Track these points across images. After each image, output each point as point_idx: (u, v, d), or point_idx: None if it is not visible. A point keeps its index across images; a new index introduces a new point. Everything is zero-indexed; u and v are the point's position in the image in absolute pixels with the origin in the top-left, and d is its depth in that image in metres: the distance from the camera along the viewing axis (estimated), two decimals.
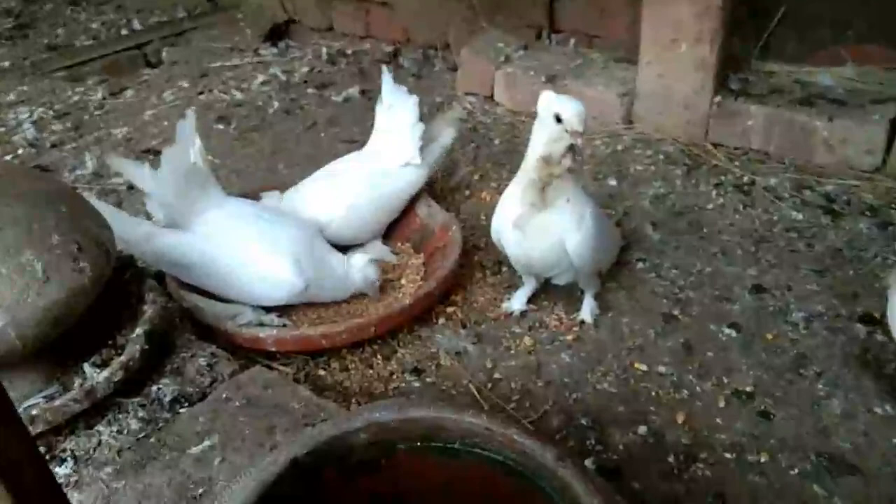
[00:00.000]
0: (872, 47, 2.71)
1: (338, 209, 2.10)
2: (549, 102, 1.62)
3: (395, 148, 2.21)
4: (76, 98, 3.41)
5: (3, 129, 3.12)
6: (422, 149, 2.21)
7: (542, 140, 1.66)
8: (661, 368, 1.77)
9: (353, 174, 2.20)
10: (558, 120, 1.60)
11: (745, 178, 2.42)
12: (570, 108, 1.59)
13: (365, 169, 2.20)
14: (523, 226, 1.75)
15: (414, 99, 2.23)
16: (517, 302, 1.97)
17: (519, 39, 3.22)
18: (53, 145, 2.99)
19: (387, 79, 2.26)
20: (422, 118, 2.23)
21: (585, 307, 1.93)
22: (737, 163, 2.50)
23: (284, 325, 1.90)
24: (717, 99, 2.57)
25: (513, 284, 2.06)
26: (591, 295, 1.93)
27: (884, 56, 2.69)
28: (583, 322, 1.92)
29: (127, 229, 1.86)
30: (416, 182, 2.24)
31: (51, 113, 3.26)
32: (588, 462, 1.53)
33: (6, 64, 3.86)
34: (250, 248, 1.89)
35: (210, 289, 1.92)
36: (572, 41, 3.28)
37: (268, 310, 1.92)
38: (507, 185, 2.48)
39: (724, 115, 2.57)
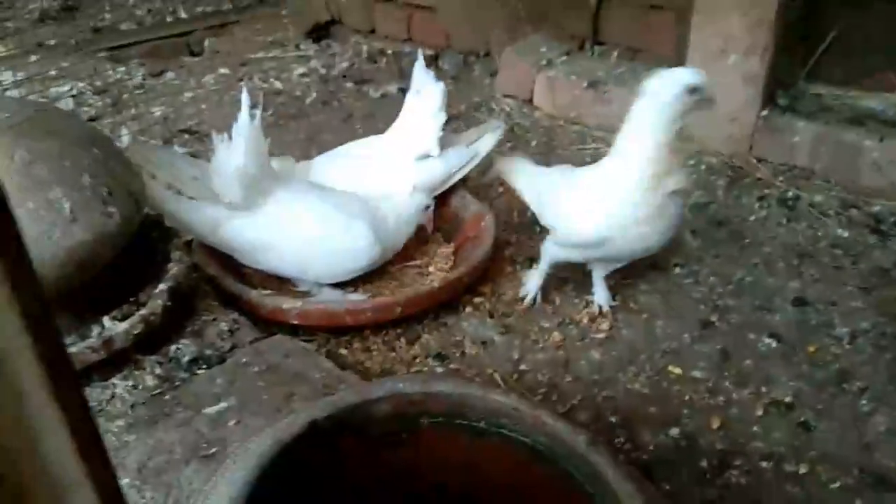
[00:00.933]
0: None
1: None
2: (677, 78, 1.60)
3: (414, 137, 2.15)
4: (117, 77, 3.43)
5: (43, 100, 3.13)
6: (446, 145, 2.15)
7: (668, 121, 1.61)
8: (697, 373, 1.69)
9: (364, 159, 2.16)
10: (691, 92, 1.57)
11: (790, 194, 2.35)
12: (704, 77, 1.59)
13: (377, 155, 2.16)
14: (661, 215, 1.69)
15: (440, 86, 2.16)
16: (533, 285, 1.91)
17: (562, 48, 3.19)
18: (91, 119, 3.00)
19: (419, 63, 2.20)
20: (446, 109, 2.16)
21: (602, 292, 1.88)
22: (781, 178, 2.43)
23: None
24: (764, 113, 2.51)
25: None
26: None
27: None
28: (600, 312, 1.86)
29: (193, 214, 1.79)
30: (429, 177, 2.14)
31: (90, 89, 3.28)
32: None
33: (52, 42, 3.92)
34: (328, 222, 1.85)
35: (285, 271, 1.89)
36: (615, 53, 3.25)
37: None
38: None
39: (770, 130, 2.51)
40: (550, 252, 1.86)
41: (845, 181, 2.39)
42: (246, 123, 1.74)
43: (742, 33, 2.47)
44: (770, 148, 2.51)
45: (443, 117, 2.14)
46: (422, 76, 2.18)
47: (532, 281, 1.91)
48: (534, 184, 1.97)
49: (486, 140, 2.27)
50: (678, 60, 2.74)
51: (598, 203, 1.71)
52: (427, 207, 1.99)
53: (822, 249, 2.10)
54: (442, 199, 2.23)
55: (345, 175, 2.08)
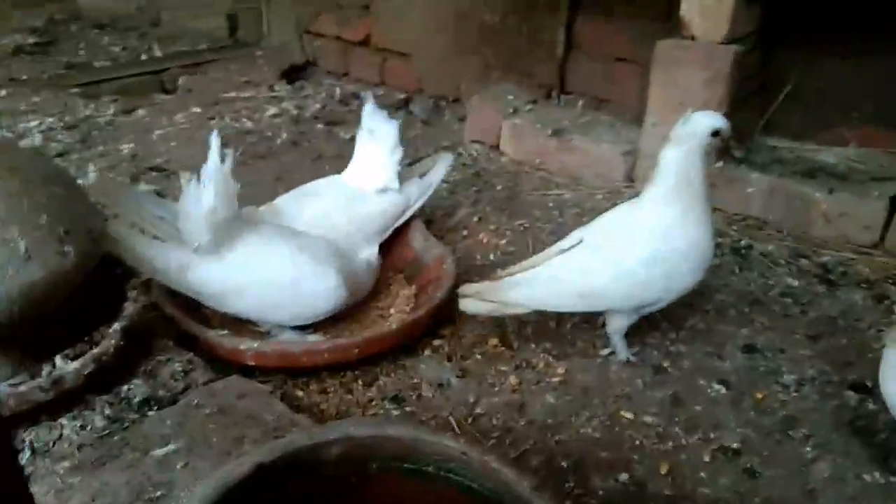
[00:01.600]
0: (875, 131, 2.76)
1: (305, 225, 2.06)
2: (705, 121, 1.70)
3: (373, 173, 2.22)
4: (87, 113, 3.45)
5: (10, 135, 3.14)
6: (402, 178, 2.24)
7: (698, 162, 1.71)
8: (648, 418, 1.72)
9: (327, 194, 2.21)
10: (714, 135, 1.69)
11: (743, 243, 2.42)
12: (725, 122, 1.72)
13: (340, 190, 2.22)
14: None
15: (394, 123, 2.25)
16: (622, 349, 1.90)
17: (529, 96, 3.28)
18: (58, 154, 3.00)
19: (369, 104, 2.28)
20: (402, 144, 2.24)
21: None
22: (735, 227, 2.51)
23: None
24: (719, 165, 2.60)
25: (502, 324, 2.03)
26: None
27: (886, 140, 2.73)
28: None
29: (160, 258, 1.77)
30: (392, 209, 2.22)
31: (60, 124, 3.29)
32: None
33: (24, 77, 3.93)
34: (298, 266, 1.87)
35: (252, 314, 1.90)
36: (581, 103, 3.34)
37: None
38: (506, 229, 2.52)
39: (724, 181, 2.59)
40: (622, 323, 1.87)
41: (796, 232, 2.47)
42: (216, 166, 1.75)
43: (698, 87, 2.57)
44: (724, 198, 2.59)
45: (400, 152, 2.22)
46: (374, 117, 2.26)
47: (619, 346, 1.90)
48: (574, 282, 1.80)
49: (438, 170, 2.37)
50: (641, 112, 2.83)
51: (690, 249, 1.76)
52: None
53: (773, 298, 2.16)
54: (404, 241, 2.27)
55: (308, 212, 2.12)
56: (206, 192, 1.73)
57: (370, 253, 2.07)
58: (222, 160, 1.76)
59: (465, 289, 1.87)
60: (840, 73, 2.79)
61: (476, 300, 1.84)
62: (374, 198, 2.20)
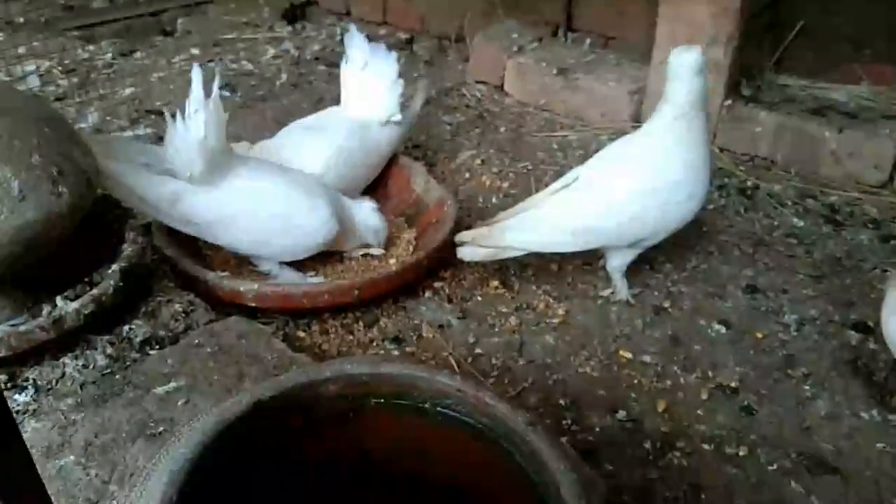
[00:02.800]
0: (889, 68, 2.69)
1: (319, 161, 2.04)
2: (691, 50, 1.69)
3: (375, 105, 2.20)
4: (86, 56, 3.40)
5: (8, 79, 3.10)
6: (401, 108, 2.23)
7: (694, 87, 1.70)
8: (647, 358, 1.73)
9: (335, 127, 2.17)
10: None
11: (749, 183, 2.39)
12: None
13: (345, 123, 2.18)
14: None
15: (394, 56, 2.22)
16: (623, 288, 1.90)
17: (534, 34, 3.20)
18: (57, 98, 2.97)
19: (359, 37, 2.22)
20: (402, 76, 2.22)
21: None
22: (742, 167, 2.47)
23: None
24: (728, 103, 2.54)
25: (502, 267, 2.02)
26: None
27: None
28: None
29: (151, 188, 1.75)
30: (396, 139, 2.25)
31: (59, 68, 3.24)
32: (562, 441, 1.48)
33: (20, 20, 3.86)
34: (289, 197, 1.86)
35: (245, 246, 1.89)
36: (588, 40, 3.26)
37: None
38: (509, 171, 2.50)
39: (733, 120, 2.54)
40: (622, 261, 1.86)
41: (804, 171, 2.44)
42: (201, 97, 1.72)
43: (707, 22, 2.49)
44: (732, 138, 2.55)
45: (402, 84, 2.20)
46: (366, 49, 2.20)
47: (619, 285, 1.89)
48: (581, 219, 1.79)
49: (418, 97, 2.37)
50: (649, 49, 2.76)
51: (686, 178, 1.74)
52: (379, 231, 2.02)
53: (778, 238, 2.14)
54: (406, 184, 2.25)
55: (314, 148, 2.08)
56: (196, 121, 1.71)
57: (364, 206, 2.02)
58: (208, 94, 1.73)
59: (462, 236, 1.85)
60: (853, 9, 2.70)
61: (473, 247, 1.83)
62: (379, 129, 2.19)
